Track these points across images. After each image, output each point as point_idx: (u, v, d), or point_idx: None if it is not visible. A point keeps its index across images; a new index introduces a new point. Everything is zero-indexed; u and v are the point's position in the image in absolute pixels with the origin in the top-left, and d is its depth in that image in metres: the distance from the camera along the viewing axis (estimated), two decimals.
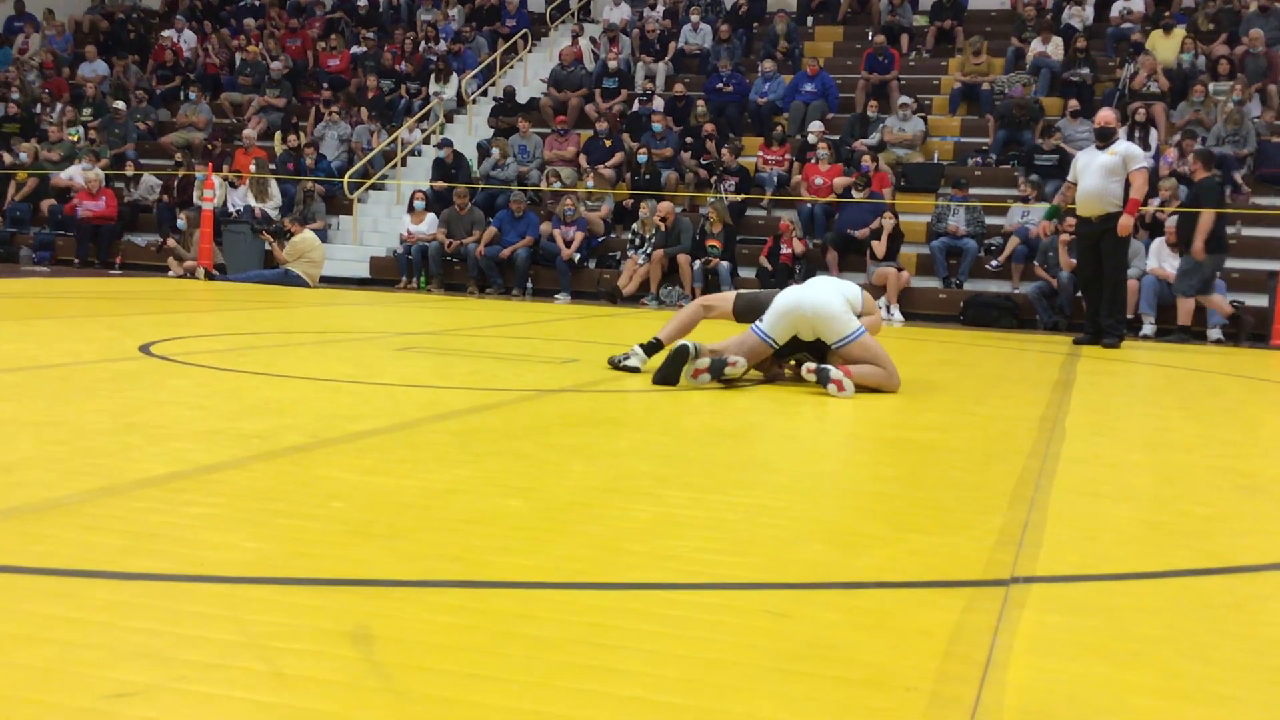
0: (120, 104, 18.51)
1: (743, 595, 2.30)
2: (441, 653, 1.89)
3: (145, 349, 6.03)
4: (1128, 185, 9.88)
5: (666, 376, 5.61)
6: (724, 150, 15.31)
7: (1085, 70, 16.10)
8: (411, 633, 1.97)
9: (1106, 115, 10.23)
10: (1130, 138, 14.43)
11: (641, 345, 6.08)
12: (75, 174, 16.81)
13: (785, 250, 13.61)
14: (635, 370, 5.96)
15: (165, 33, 21.03)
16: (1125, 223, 9.82)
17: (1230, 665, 2.02)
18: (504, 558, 2.45)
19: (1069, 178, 10.49)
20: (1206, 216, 11.19)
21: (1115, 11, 17.47)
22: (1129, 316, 12.25)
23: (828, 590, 2.36)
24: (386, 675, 1.78)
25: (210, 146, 17.41)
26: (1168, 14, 16.85)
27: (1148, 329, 12.04)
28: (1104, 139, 10.01)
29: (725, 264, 13.75)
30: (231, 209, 15.80)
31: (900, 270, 13.30)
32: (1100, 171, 9.89)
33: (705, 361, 5.59)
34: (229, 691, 1.70)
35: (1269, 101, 15.17)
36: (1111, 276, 10.12)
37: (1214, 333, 11.81)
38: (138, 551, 2.37)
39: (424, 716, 1.65)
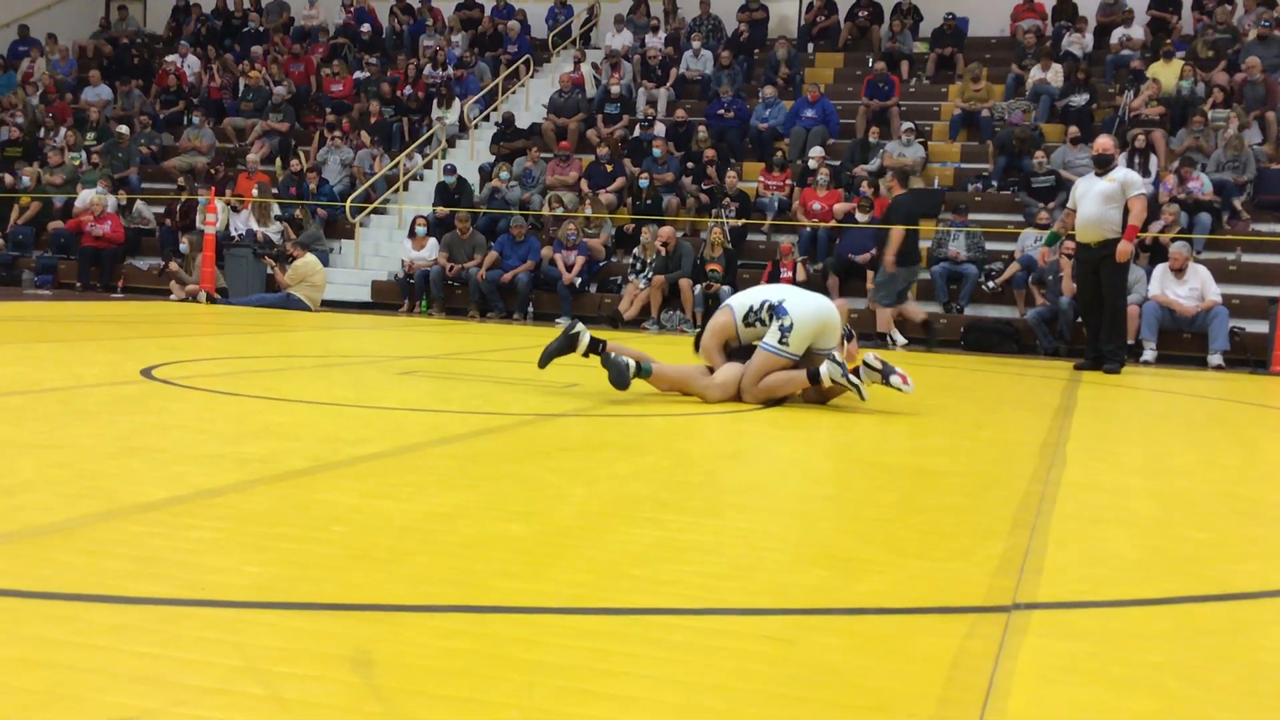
0: (124, 128, 18.58)
1: (743, 621, 2.30)
2: (442, 677, 1.88)
3: (147, 373, 6.04)
4: (1127, 211, 9.90)
5: (617, 381, 5.80)
6: (727, 175, 15.36)
7: (1085, 97, 16.17)
8: (412, 657, 1.97)
9: (1104, 142, 10.25)
10: (1130, 164, 14.49)
11: (593, 336, 6.11)
12: (92, 198, 16.84)
13: (785, 274, 13.63)
14: (575, 336, 5.99)
15: (169, 58, 21.12)
16: (1124, 249, 9.83)
17: (1231, 691, 2.01)
18: (505, 582, 2.44)
19: (1068, 204, 10.51)
20: (896, 231, 11.98)
21: (1115, 39, 17.56)
22: (1130, 342, 12.28)
23: (829, 616, 2.35)
24: (387, 700, 1.78)
25: (213, 171, 17.48)
26: (1168, 42, 16.92)
27: (1149, 354, 12.05)
28: (1102, 166, 10.04)
29: (726, 288, 13.76)
30: (234, 233, 15.85)
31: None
32: (1099, 198, 9.90)
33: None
34: (229, 716, 1.70)
35: (1268, 129, 15.23)
36: (1111, 302, 10.13)
37: (1214, 358, 11.82)
38: (139, 575, 2.37)
39: None
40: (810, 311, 5.90)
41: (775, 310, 5.88)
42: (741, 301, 6.07)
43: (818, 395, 6.02)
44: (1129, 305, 12.28)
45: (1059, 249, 12.06)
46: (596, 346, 6.02)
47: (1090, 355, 10.38)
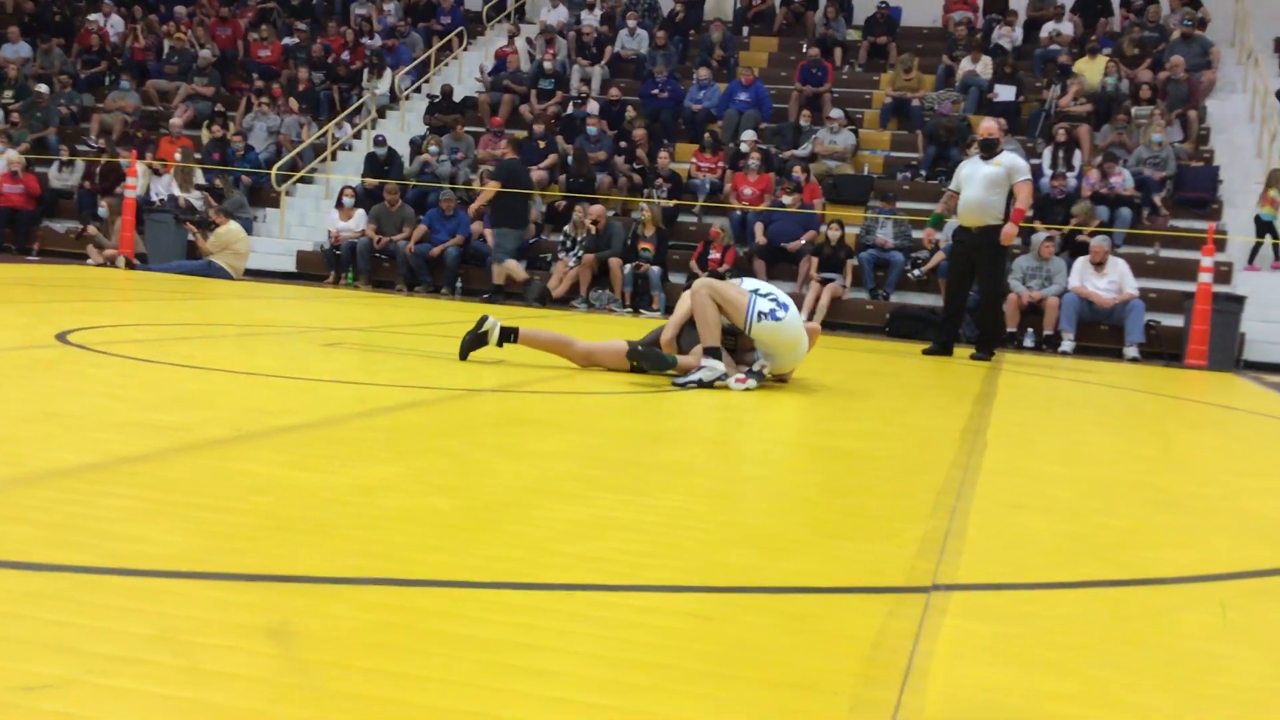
0: (43, 87, 18.08)
1: (669, 598, 2.30)
2: (364, 650, 1.86)
3: (62, 337, 5.89)
4: (1010, 197, 9.68)
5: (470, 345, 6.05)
6: (660, 155, 15.36)
7: (1013, 89, 16.39)
8: (334, 630, 1.94)
9: (990, 126, 9.97)
10: (1054, 158, 14.73)
11: (503, 326, 6.14)
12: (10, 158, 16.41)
13: (714, 256, 13.69)
14: (484, 334, 6.08)
15: (92, 16, 20.59)
16: (1009, 231, 9.60)
17: (1146, 674, 2.06)
18: (430, 556, 2.42)
19: (951, 186, 10.21)
20: (491, 186, 13.43)
21: (1044, 33, 17.81)
22: (1049, 332, 12.50)
23: (753, 594, 2.36)
24: (307, 672, 1.75)
25: (138, 134, 17.08)
26: (1093, 38, 17.21)
27: (1067, 345, 12.28)
28: (988, 150, 9.76)
29: (656, 269, 13.77)
30: (154, 198, 15.51)
31: (825, 282, 13.44)
32: (983, 182, 9.65)
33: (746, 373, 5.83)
34: (143, 686, 1.66)
35: (1189, 127, 15.56)
36: (989, 289, 9.98)
37: (1130, 351, 12.08)
38: (52, 542, 2.31)
39: (344, 714, 1.63)
40: (794, 329, 5.92)
41: (780, 304, 5.91)
42: (762, 305, 5.89)
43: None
44: (1050, 297, 12.52)
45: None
46: (510, 335, 6.06)
47: (939, 340, 10.12)
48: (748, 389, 5.77)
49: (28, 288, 9.88)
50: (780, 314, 5.85)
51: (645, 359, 5.96)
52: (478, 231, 14.56)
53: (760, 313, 5.82)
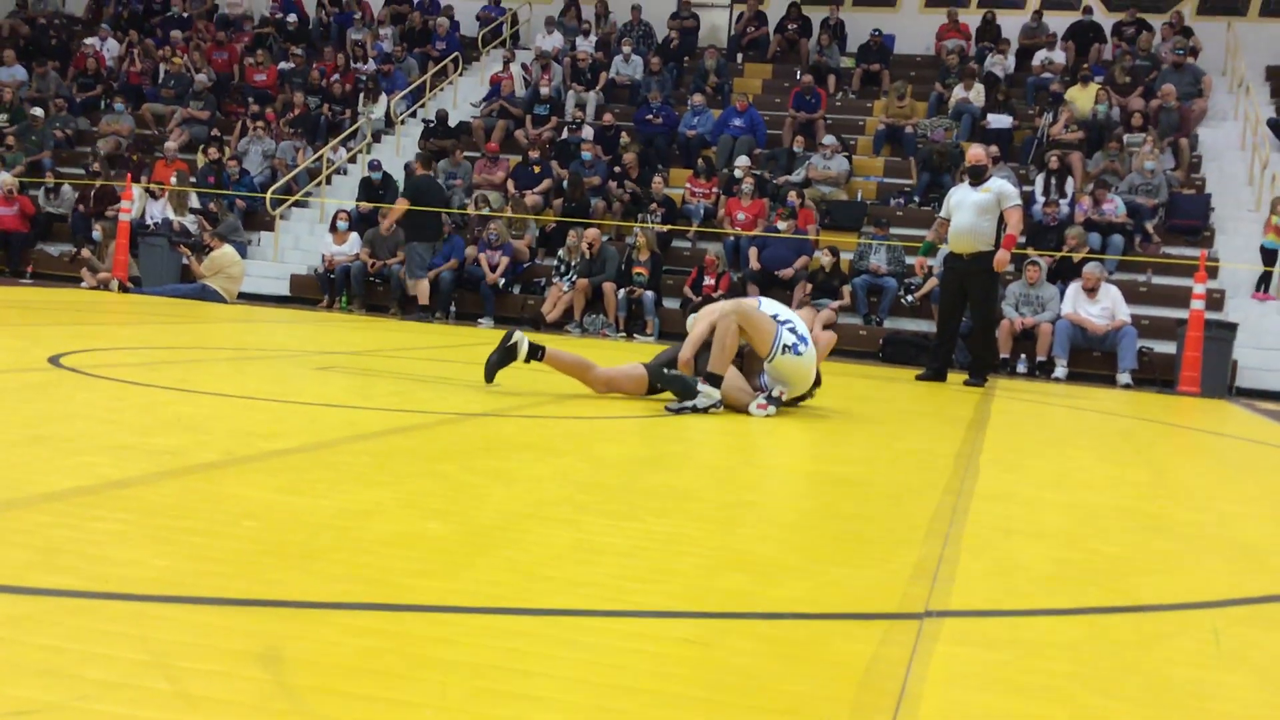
0: (38, 111, 18.12)
1: (661, 624, 2.29)
2: (354, 676, 1.85)
3: (55, 360, 5.88)
4: (1001, 223, 9.70)
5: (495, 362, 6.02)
6: (654, 180, 15.41)
7: (1006, 117, 16.48)
8: (323, 655, 1.93)
9: (977, 153, 9.99)
10: (1046, 185, 14.80)
11: (531, 342, 6.09)
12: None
13: (708, 282, 13.72)
14: (513, 346, 6.03)
15: (88, 40, 20.65)
16: (1003, 257, 9.61)
17: (1137, 701, 2.05)
18: (421, 581, 2.41)
19: (941, 213, 10.18)
20: (400, 203, 14.15)
21: (1036, 61, 17.92)
22: (1042, 359, 12.52)
23: (745, 620, 2.36)
24: (296, 697, 1.74)
25: (134, 157, 17.10)
26: (1085, 66, 17.32)
27: (1060, 371, 12.30)
28: (976, 176, 9.78)
29: (650, 294, 13.79)
30: (149, 221, 15.51)
31: (820, 308, 13.46)
32: (973, 209, 9.66)
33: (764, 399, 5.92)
34: (132, 711, 1.65)
35: (1180, 154, 15.65)
36: (981, 315, 10.00)
37: (1123, 377, 12.10)
38: (42, 566, 2.30)
39: None
40: (810, 364, 6.03)
41: (800, 337, 5.98)
42: (787, 337, 5.93)
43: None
44: (1043, 323, 12.55)
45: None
46: (536, 353, 6.02)
47: (933, 366, 10.13)
48: (768, 415, 5.82)
49: (21, 310, 9.87)
50: (801, 349, 5.95)
51: (673, 384, 5.94)
52: (472, 256, 14.56)
53: (785, 345, 5.87)
